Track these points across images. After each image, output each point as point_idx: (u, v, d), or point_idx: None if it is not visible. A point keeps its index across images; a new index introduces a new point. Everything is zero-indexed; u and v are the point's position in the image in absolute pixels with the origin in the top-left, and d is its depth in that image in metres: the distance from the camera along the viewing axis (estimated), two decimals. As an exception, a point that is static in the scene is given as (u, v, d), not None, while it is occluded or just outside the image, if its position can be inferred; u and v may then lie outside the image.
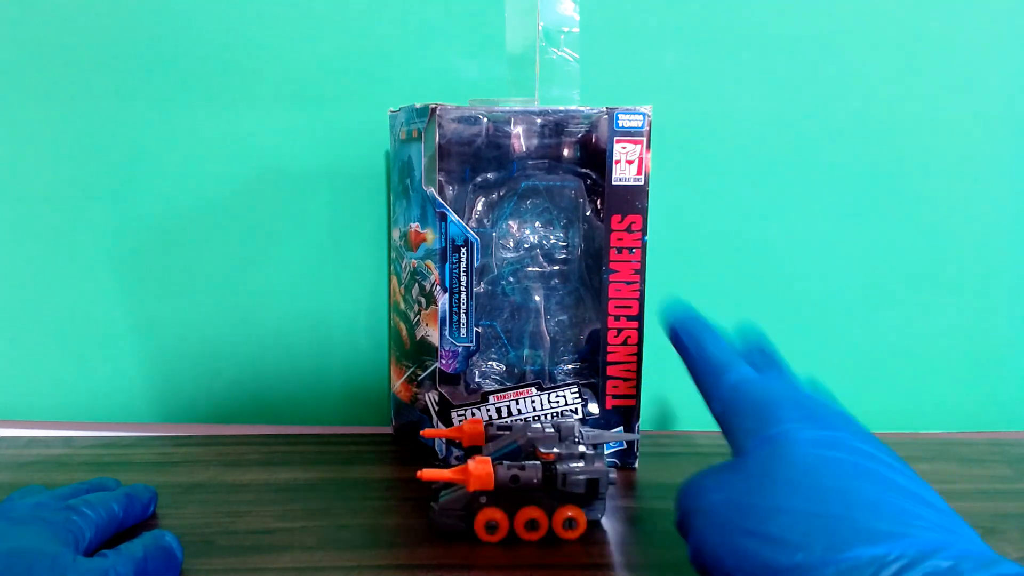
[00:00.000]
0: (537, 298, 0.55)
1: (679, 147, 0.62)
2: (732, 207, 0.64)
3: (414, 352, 0.55)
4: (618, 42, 0.62)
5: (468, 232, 0.51)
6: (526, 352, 0.56)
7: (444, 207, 0.51)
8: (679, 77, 0.62)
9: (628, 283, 0.52)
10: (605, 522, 0.47)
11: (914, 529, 0.29)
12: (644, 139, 0.51)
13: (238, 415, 0.65)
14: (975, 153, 0.65)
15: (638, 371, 0.53)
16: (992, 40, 0.63)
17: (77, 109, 0.61)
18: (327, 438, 0.61)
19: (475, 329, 0.52)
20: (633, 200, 0.52)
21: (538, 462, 0.44)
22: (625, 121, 0.51)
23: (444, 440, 0.54)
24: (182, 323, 0.64)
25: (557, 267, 0.55)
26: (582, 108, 0.51)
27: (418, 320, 0.54)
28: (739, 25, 0.62)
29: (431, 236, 0.52)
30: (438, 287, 0.51)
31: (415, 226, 0.54)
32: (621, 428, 0.54)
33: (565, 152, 0.53)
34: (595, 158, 0.53)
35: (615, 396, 0.54)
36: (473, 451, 0.47)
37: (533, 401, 0.54)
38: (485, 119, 0.51)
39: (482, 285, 0.55)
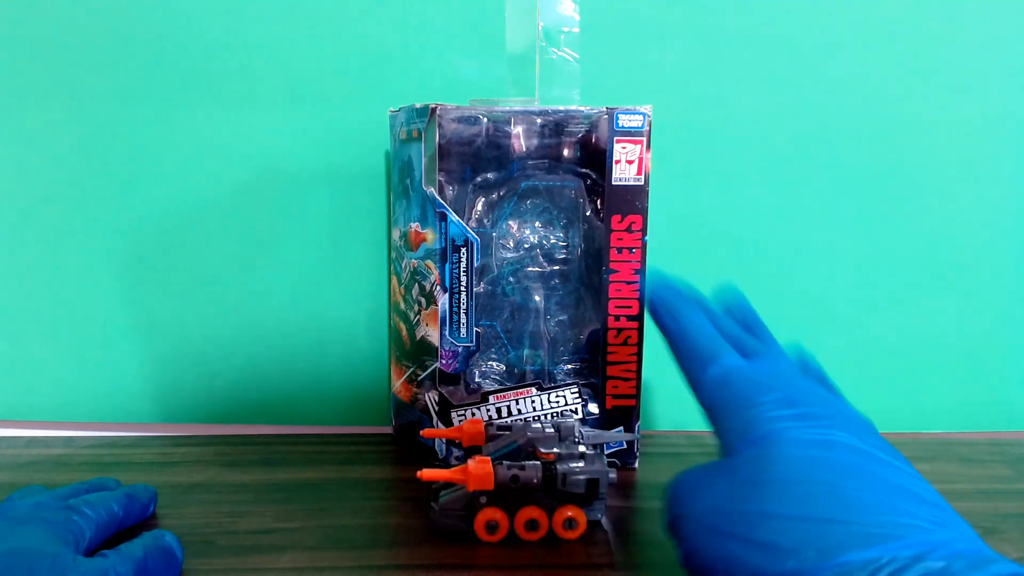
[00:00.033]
0: (537, 298, 0.55)
1: (679, 147, 0.62)
2: (732, 207, 0.64)
3: (414, 352, 0.55)
4: (618, 42, 0.62)
5: (468, 232, 0.51)
6: (526, 352, 0.56)
7: (444, 207, 0.51)
8: (679, 77, 0.62)
9: (628, 283, 0.52)
10: (605, 522, 0.47)
11: (907, 529, 0.29)
12: (644, 139, 0.51)
13: (238, 415, 0.65)
14: (975, 153, 0.65)
15: (638, 371, 0.53)
16: (992, 40, 0.63)
17: (77, 109, 0.61)
18: (327, 438, 0.61)
19: (475, 329, 0.52)
20: (633, 200, 0.52)
21: (538, 462, 0.44)
22: (625, 121, 0.51)
23: (444, 440, 0.54)
24: (182, 323, 0.64)
25: (557, 267, 0.55)
26: (582, 108, 0.51)
27: (418, 320, 0.54)
28: (739, 25, 0.62)
29: (431, 236, 0.52)
30: (438, 287, 0.51)
31: (415, 226, 0.54)
32: (621, 428, 0.54)
33: (565, 152, 0.53)
34: (595, 158, 0.53)
35: (615, 396, 0.54)
36: (473, 451, 0.47)
37: (533, 401, 0.54)
38: (485, 119, 0.51)
39: (482, 285, 0.55)
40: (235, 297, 0.63)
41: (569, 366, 0.56)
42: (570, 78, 0.55)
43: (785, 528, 0.30)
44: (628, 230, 0.52)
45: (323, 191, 0.62)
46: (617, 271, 0.52)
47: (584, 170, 0.54)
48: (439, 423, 0.53)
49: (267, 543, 0.44)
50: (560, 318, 0.56)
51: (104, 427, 0.64)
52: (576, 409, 0.54)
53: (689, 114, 0.62)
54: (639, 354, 0.53)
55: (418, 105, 0.51)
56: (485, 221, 0.55)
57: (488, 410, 0.53)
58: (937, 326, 0.66)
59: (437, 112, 0.50)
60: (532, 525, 0.44)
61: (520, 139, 0.53)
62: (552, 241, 0.55)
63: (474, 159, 0.52)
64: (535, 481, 0.43)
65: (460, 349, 0.52)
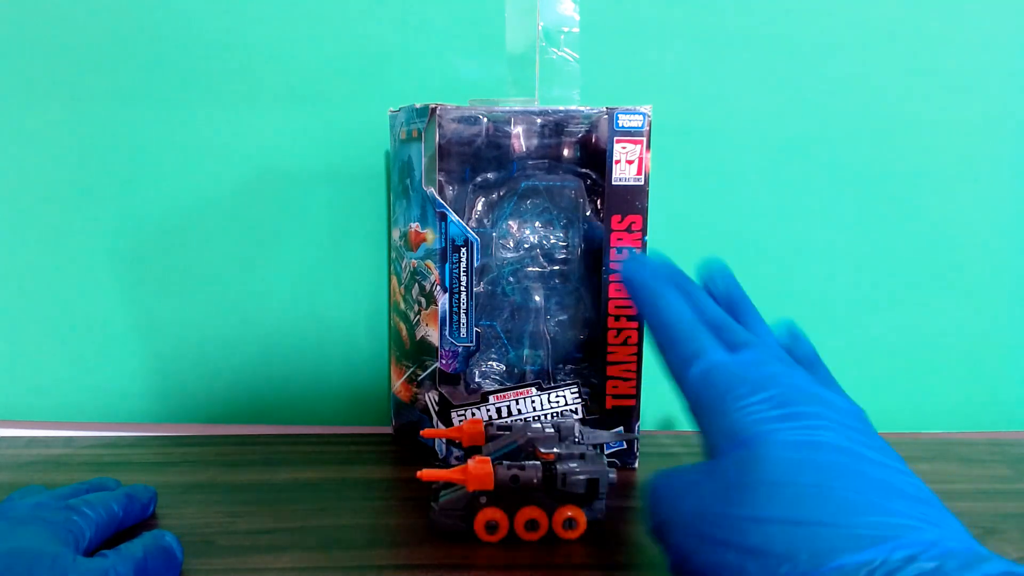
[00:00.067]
0: (537, 298, 0.55)
1: (679, 147, 0.62)
2: (732, 207, 0.64)
3: (414, 352, 0.55)
4: (618, 42, 0.62)
5: (468, 232, 0.51)
6: (526, 352, 0.56)
7: (444, 207, 0.51)
8: (679, 77, 0.62)
9: (628, 283, 0.52)
10: (605, 522, 0.47)
11: (898, 529, 0.29)
12: (644, 139, 0.51)
13: (238, 415, 0.65)
14: (975, 153, 0.65)
15: (638, 371, 0.53)
16: (992, 40, 0.63)
17: (77, 109, 0.61)
18: (327, 438, 0.61)
19: (475, 329, 0.52)
20: (633, 200, 0.52)
21: (538, 462, 0.44)
22: (625, 121, 0.51)
23: (444, 440, 0.54)
24: (182, 323, 0.64)
25: (557, 267, 0.56)
26: (582, 108, 0.51)
27: (418, 320, 0.54)
28: (739, 25, 0.62)
29: (431, 236, 0.52)
30: (438, 287, 0.51)
31: (415, 226, 0.54)
32: (621, 428, 0.54)
33: (565, 152, 0.53)
34: (595, 158, 0.53)
35: (615, 396, 0.54)
36: (473, 451, 0.47)
37: (533, 401, 0.54)
38: (485, 119, 0.51)
39: (482, 285, 0.55)
40: (235, 297, 0.63)
41: (569, 366, 0.56)
42: (570, 78, 0.55)
43: (776, 533, 0.30)
44: (628, 230, 0.52)
45: (323, 191, 0.62)
46: (617, 271, 0.52)
47: (584, 170, 0.54)
48: (439, 423, 0.53)
49: (267, 543, 0.44)
50: (560, 318, 0.56)
51: (104, 427, 0.64)
52: (576, 409, 0.54)
53: (689, 114, 0.62)
54: (639, 354, 0.53)
55: (418, 105, 0.51)
56: (485, 221, 0.55)
57: (488, 410, 0.53)
58: (937, 326, 0.66)
59: (437, 112, 0.50)
60: (532, 525, 0.44)
61: (520, 139, 0.53)
62: (552, 241, 0.55)
63: (474, 159, 0.52)
64: (535, 481, 0.43)
65: (460, 349, 0.52)
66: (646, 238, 0.52)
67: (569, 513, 0.44)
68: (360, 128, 0.61)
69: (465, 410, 0.53)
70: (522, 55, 0.54)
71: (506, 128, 0.52)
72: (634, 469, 0.55)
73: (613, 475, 0.45)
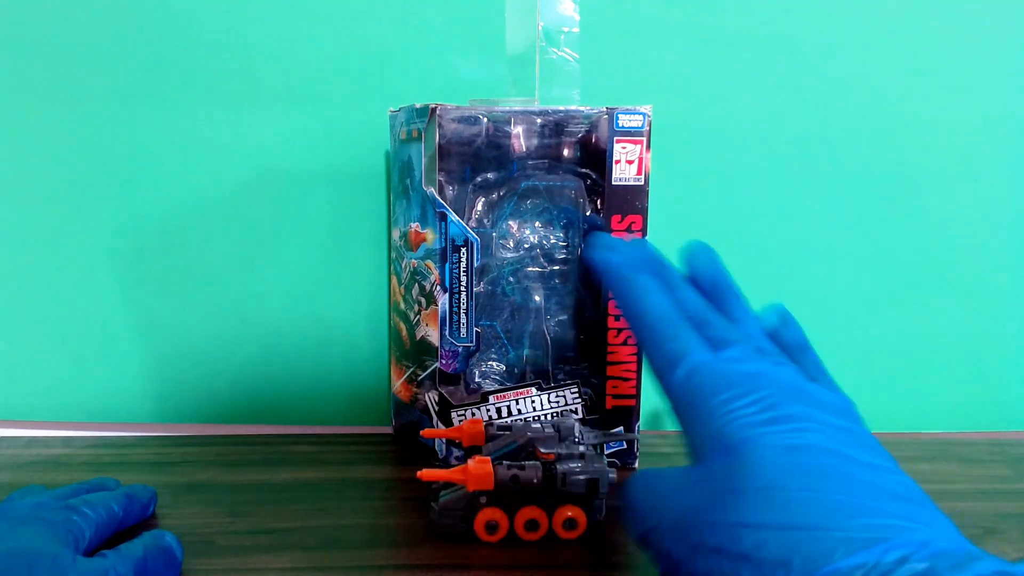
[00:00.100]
0: (537, 298, 0.55)
1: (679, 147, 0.62)
2: (732, 207, 0.64)
3: (414, 352, 0.55)
4: (618, 42, 0.62)
5: (468, 232, 0.51)
6: (526, 352, 0.56)
7: (444, 207, 0.51)
8: (679, 77, 0.62)
9: (628, 283, 0.52)
10: (605, 522, 0.47)
11: (889, 531, 0.29)
12: (644, 139, 0.51)
13: (238, 415, 0.65)
14: (975, 153, 0.65)
15: (638, 371, 0.53)
16: (992, 40, 0.63)
17: (77, 109, 0.61)
18: (327, 438, 0.61)
19: (475, 329, 0.52)
20: (633, 200, 0.52)
21: (538, 462, 0.44)
22: (625, 121, 0.51)
23: (444, 440, 0.54)
24: (182, 323, 0.64)
25: (557, 267, 0.55)
26: (582, 108, 0.51)
27: (418, 320, 0.54)
28: (739, 25, 0.62)
29: (431, 236, 0.52)
30: (438, 287, 0.51)
31: (415, 226, 0.54)
32: (621, 428, 0.54)
33: (565, 152, 0.53)
34: (595, 158, 0.53)
35: (615, 396, 0.54)
36: (473, 451, 0.47)
37: (533, 401, 0.54)
38: (485, 119, 0.51)
39: (482, 285, 0.55)
40: (235, 297, 0.63)
41: (569, 366, 0.56)
42: (570, 78, 0.55)
43: (769, 538, 0.30)
44: (628, 230, 0.52)
45: (323, 191, 0.62)
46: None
47: (584, 170, 0.54)
48: (439, 423, 0.53)
49: (267, 543, 0.44)
50: (560, 318, 0.56)
51: (104, 427, 0.64)
52: (576, 409, 0.54)
53: (689, 114, 0.62)
54: (639, 354, 0.53)
55: (418, 105, 0.51)
56: (485, 221, 0.55)
57: (488, 410, 0.53)
58: (937, 326, 0.66)
59: (437, 112, 0.50)
60: (532, 525, 0.44)
61: (520, 139, 0.53)
62: (552, 241, 0.55)
63: (474, 159, 0.52)
64: (535, 481, 0.43)
65: (460, 349, 0.52)
66: (646, 238, 0.52)
67: (569, 513, 0.44)
68: (360, 128, 0.61)
69: (465, 410, 0.53)
70: (522, 55, 0.54)
71: (506, 128, 0.52)
72: (634, 469, 0.55)
73: (613, 475, 0.45)
